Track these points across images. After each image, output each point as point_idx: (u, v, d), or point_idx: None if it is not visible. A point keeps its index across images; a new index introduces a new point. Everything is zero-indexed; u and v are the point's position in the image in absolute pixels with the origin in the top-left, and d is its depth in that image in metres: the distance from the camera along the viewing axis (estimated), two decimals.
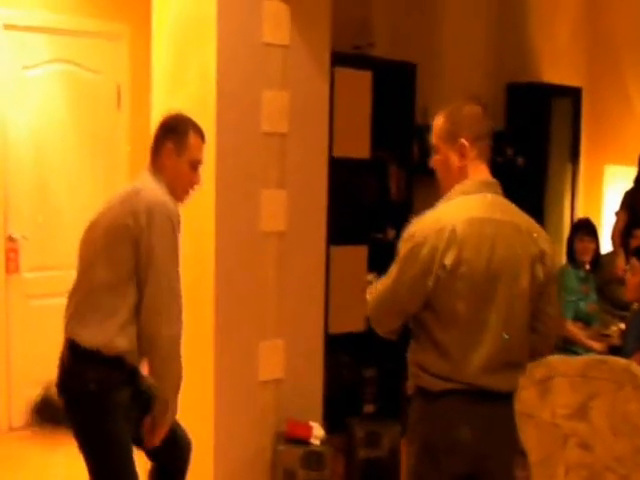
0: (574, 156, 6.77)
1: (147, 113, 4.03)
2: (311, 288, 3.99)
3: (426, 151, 2.74)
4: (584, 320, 5.04)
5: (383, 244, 4.91)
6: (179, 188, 2.88)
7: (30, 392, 5.10)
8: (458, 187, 2.49)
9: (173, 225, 2.72)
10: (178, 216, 2.77)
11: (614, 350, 4.45)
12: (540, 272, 2.47)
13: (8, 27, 5.00)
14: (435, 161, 2.57)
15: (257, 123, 3.73)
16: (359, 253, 4.92)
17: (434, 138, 2.56)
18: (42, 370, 4.70)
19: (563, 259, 5.43)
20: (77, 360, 2.74)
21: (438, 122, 2.54)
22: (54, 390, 2.84)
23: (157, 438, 2.86)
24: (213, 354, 3.65)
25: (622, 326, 4.62)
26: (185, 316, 2.78)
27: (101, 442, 2.76)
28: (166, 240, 2.69)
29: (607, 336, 4.86)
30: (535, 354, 2.55)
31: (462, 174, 2.50)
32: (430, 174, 2.67)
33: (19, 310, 5.13)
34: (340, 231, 4.64)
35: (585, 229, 5.22)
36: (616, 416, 2.41)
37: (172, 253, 2.73)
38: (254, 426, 3.82)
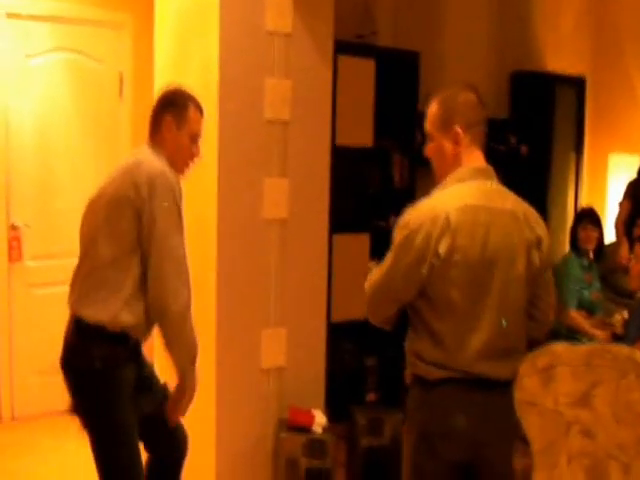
0: (578, 145, 6.75)
1: (149, 102, 4.00)
2: (313, 276, 3.98)
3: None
4: (587, 308, 5.04)
5: (386, 232, 4.85)
6: (180, 161, 2.88)
7: (33, 381, 5.12)
8: (453, 175, 2.47)
9: (175, 195, 2.71)
10: (180, 187, 2.76)
11: (617, 338, 4.46)
12: (536, 258, 2.46)
13: (11, 16, 5.00)
14: (429, 149, 2.56)
15: (260, 111, 3.72)
16: (362, 241, 4.92)
17: (428, 126, 2.54)
18: (45, 359, 4.74)
19: (567, 248, 5.43)
20: (82, 337, 2.73)
21: (432, 110, 2.53)
22: None
23: (181, 413, 2.88)
24: (215, 342, 3.65)
25: (625, 314, 4.62)
26: None
27: (107, 422, 2.75)
28: (168, 211, 2.69)
29: (610, 324, 4.85)
30: (531, 341, 2.55)
31: (456, 161, 2.48)
32: None
33: (22, 298, 5.14)
34: (343, 219, 4.64)
35: (589, 218, 5.21)
36: (619, 404, 2.40)
37: (175, 223, 2.72)
38: (256, 414, 3.83)
